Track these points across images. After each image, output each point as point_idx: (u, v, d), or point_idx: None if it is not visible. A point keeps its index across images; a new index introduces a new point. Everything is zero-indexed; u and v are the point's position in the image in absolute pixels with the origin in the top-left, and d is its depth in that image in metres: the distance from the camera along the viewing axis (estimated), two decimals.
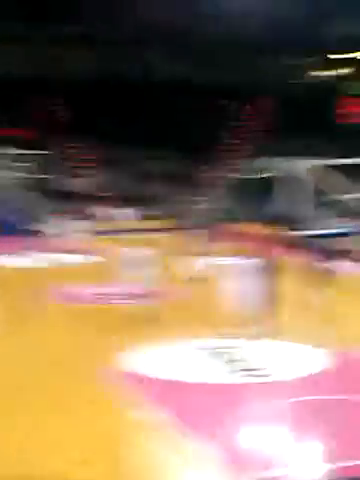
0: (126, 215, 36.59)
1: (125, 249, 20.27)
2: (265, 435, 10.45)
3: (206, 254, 18.56)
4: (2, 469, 8.77)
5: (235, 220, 36.66)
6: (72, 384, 12.46)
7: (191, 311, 17.31)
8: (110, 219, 36.15)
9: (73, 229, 32.00)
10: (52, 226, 34.70)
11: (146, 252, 17.17)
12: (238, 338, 14.92)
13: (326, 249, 20.09)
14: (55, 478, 8.62)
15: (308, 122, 40.01)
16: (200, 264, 18.48)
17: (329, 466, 9.02)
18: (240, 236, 31.14)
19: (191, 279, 18.47)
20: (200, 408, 11.36)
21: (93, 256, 27.99)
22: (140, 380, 12.70)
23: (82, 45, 42.74)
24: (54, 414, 10.98)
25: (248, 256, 15.60)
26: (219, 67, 44.39)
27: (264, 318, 15.67)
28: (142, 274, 16.92)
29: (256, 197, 36.70)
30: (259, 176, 39.65)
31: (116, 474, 8.82)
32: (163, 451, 9.64)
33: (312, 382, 12.59)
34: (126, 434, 10.25)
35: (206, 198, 39.42)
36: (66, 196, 38.63)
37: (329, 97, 43.35)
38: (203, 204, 38.74)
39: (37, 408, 11.24)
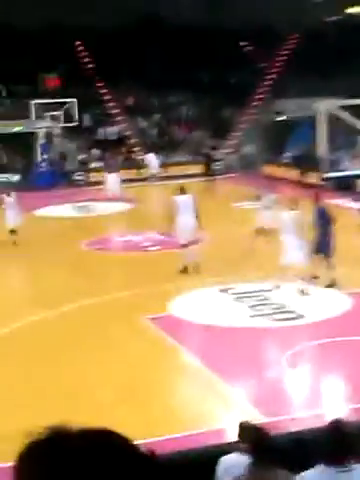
0: (155, 161, 36.72)
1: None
2: (291, 377, 11.26)
3: (257, 202, 18.68)
4: (52, 402, 9.76)
5: (260, 163, 37.00)
6: (108, 328, 13.33)
7: (230, 258, 17.67)
8: (148, 166, 36.28)
9: (111, 178, 32.80)
10: (91, 175, 35.46)
11: (186, 199, 16.88)
12: (271, 283, 15.40)
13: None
14: (95, 414, 9.57)
15: (331, 61, 39.84)
16: (262, 214, 18.44)
17: (353, 406, 9.78)
18: (279, 182, 31.36)
19: (257, 230, 18.33)
20: (228, 351, 12.17)
21: (129, 204, 28.63)
22: (173, 324, 13.52)
23: None
24: (87, 356, 11.90)
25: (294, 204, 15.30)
26: (241, 7, 44.22)
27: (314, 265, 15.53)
28: (183, 221, 16.60)
29: (279, 139, 36.81)
30: (281, 118, 39.70)
31: (142, 414, 9.70)
32: (195, 392, 10.50)
33: (338, 324, 13.28)
34: (160, 376, 11.11)
35: (233, 142, 39.61)
36: (102, 144, 38.97)
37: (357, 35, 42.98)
38: (230, 148, 38.82)
39: (72, 350, 12.18)
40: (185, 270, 16.69)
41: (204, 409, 9.96)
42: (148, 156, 36.96)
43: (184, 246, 16.92)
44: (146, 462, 1.47)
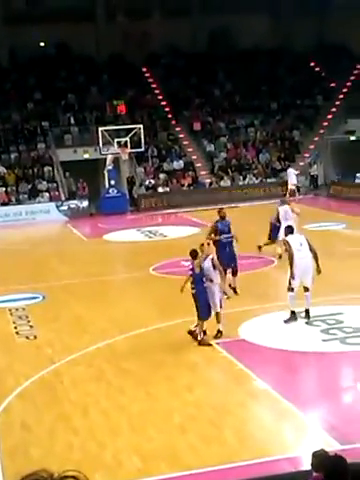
0: (294, 177, 36.71)
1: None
2: None
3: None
4: (118, 442, 9.68)
5: (329, 184, 36.67)
6: (178, 353, 13.22)
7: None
8: (289, 181, 36.38)
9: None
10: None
11: (300, 239, 14.86)
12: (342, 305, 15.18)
13: None
14: (157, 443, 9.44)
15: None
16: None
17: None
18: None
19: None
20: (300, 376, 11.90)
21: (198, 228, 28.63)
22: (243, 349, 13.31)
23: None
24: (158, 382, 11.80)
25: None
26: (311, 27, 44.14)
27: None
28: (301, 263, 14.49)
29: (351, 160, 36.17)
30: (353, 137, 39.08)
31: (214, 440, 9.51)
32: (266, 419, 10.26)
33: None
34: (231, 402, 10.90)
35: (302, 164, 39.04)
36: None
37: None
38: (299, 170, 38.17)
39: (143, 377, 12.09)
40: (293, 317, 14.61)
41: (276, 436, 9.71)
42: (289, 171, 36.90)
43: (291, 290, 14.60)
44: None
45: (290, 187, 36.23)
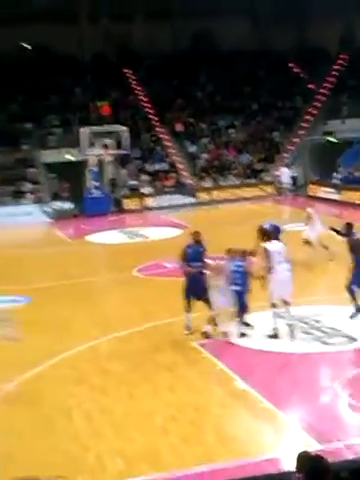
0: (288, 176, 36.97)
1: None
2: (343, 403, 11.06)
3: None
4: (101, 444, 9.81)
5: (308, 185, 36.91)
6: (160, 354, 13.38)
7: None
8: (280, 181, 36.56)
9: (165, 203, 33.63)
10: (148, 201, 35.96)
11: (280, 248, 14.12)
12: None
13: None
14: (138, 444, 9.58)
15: None
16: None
17: None
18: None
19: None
20: (279, 377, 12.06)
21: (180, 229, 28.71)
22: (224, 349, 13.45)
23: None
24: (141, 384, 11.96)
25: None
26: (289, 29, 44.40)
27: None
28: (279, 275, 13.73)
29: (329, 160, 36.50)
30: (332, 139, 39.31)
31: (195, 441, 9.65)
32: (247, 419, 10.41)
33: None
34: (211, 403, 11.05)
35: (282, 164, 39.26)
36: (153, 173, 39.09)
37: None
38: (287, 170, 38.40)
39: (126, 378, 12.24)
40: (276, 335, 13.86)
41: (257, 437, 9.85)
42: (281, 170, 37.05)
43: (274, 306, 13.92)
44: None
45: (284, 186, 36.57)
